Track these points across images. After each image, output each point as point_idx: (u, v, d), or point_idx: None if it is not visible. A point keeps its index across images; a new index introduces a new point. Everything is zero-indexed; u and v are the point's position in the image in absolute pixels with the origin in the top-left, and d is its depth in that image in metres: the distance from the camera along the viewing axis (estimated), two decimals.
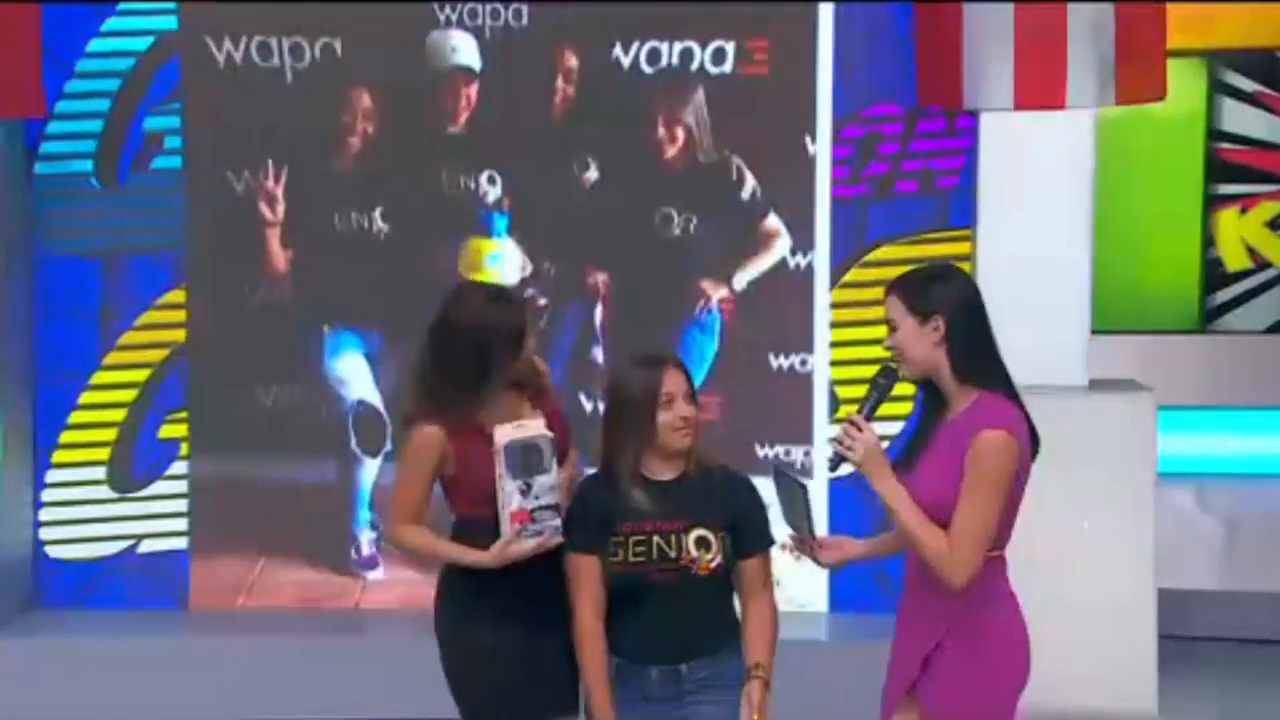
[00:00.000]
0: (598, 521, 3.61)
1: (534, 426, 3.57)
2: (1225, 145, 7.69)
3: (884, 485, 3.39)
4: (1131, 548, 5.52)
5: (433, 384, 3.67)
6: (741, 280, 5.91)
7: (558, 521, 3.56)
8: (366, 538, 6.00)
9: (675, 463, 3.63)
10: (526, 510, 3.54)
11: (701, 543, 3.59)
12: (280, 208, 5.94)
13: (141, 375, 5.95)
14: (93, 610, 5.93)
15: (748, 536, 3.64)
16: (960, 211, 5.81)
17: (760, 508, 3.67)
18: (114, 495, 5.95)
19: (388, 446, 5.93)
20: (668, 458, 3.62)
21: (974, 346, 3.43)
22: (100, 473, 5.96)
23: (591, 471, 3.72)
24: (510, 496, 3.55)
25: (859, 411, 3.43)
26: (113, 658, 5.63)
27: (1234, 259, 7.78)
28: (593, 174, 5.91)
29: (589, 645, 3.62)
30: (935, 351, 3.42)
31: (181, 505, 5.97)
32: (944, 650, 3.44)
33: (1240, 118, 7.68)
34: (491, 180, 5.92)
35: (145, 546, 5.96)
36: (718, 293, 5.92)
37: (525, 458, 3.54)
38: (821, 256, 5.87)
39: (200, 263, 5.95)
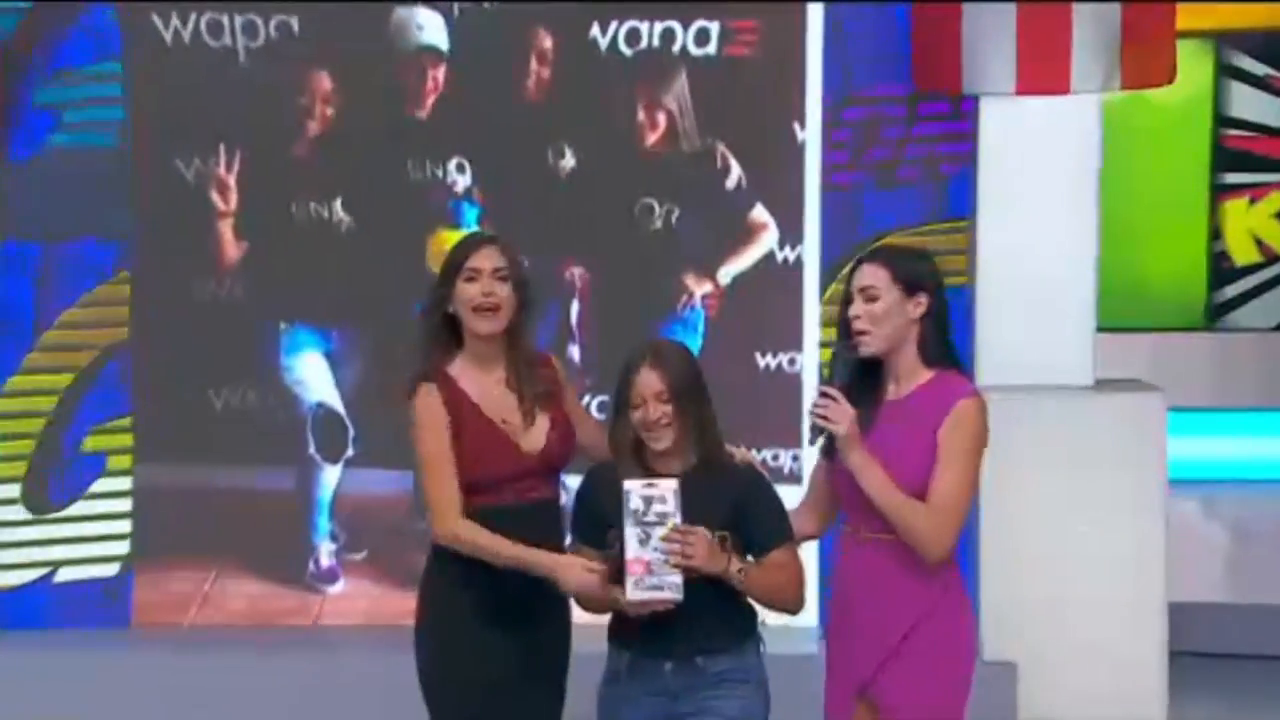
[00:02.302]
0: (597, 514, 3.68)
1: (665, 482, 3.59)
2: (1233, 132, 7.77)
3: (859, 457, 3.52)
4: (1140, 556, 5.56)
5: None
6: (726, 275, 5.93)
7: (678, 579, 3.56)
8: (326, 549, 5.98)
9: (679, 458, 3.68)
10: (644, 560, 3.55)
11: None
12: (233, 197, 5.92)
13: (65, 380, 5.90)
14: (28, 630, 5.89)
15: (759, 532, 3.69)
16: (964, 201, 5.86)
17: (770, 502, 3.72)
18: (29, 517, 5.88)
19: (349, 452, 5.92)
20: (666, 454, 3.66)
21: (947, 328, 3.61)
22: (14, 490, 5.90)
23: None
24: (628, 543, 3.57)
25: (830, 382, 3.56)
26: (51, 678, 5.59)
27: (1242, 252, 7.86)
28: (569, 162, 5.92)
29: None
30: (910, 327, 3.56)
31: (115, 524, 5.92)
32: (910, 643, 3.56)
33: (1249, 103, 7.75)
34: (460, 168, 5.92)
35: (67, 572, 5.91)
36: (701, 288, 5.94)
37: (648, 506, 3.56)
38: (811, 250, 5.89)
39: (145, 255, 5.92)
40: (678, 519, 3.55)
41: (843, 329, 3.63)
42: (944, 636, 3.61)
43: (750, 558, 3.68)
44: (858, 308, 3.56)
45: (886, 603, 3.58)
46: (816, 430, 3.54)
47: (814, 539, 3.86)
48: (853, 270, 3.63)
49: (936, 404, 3.53)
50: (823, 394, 3.53)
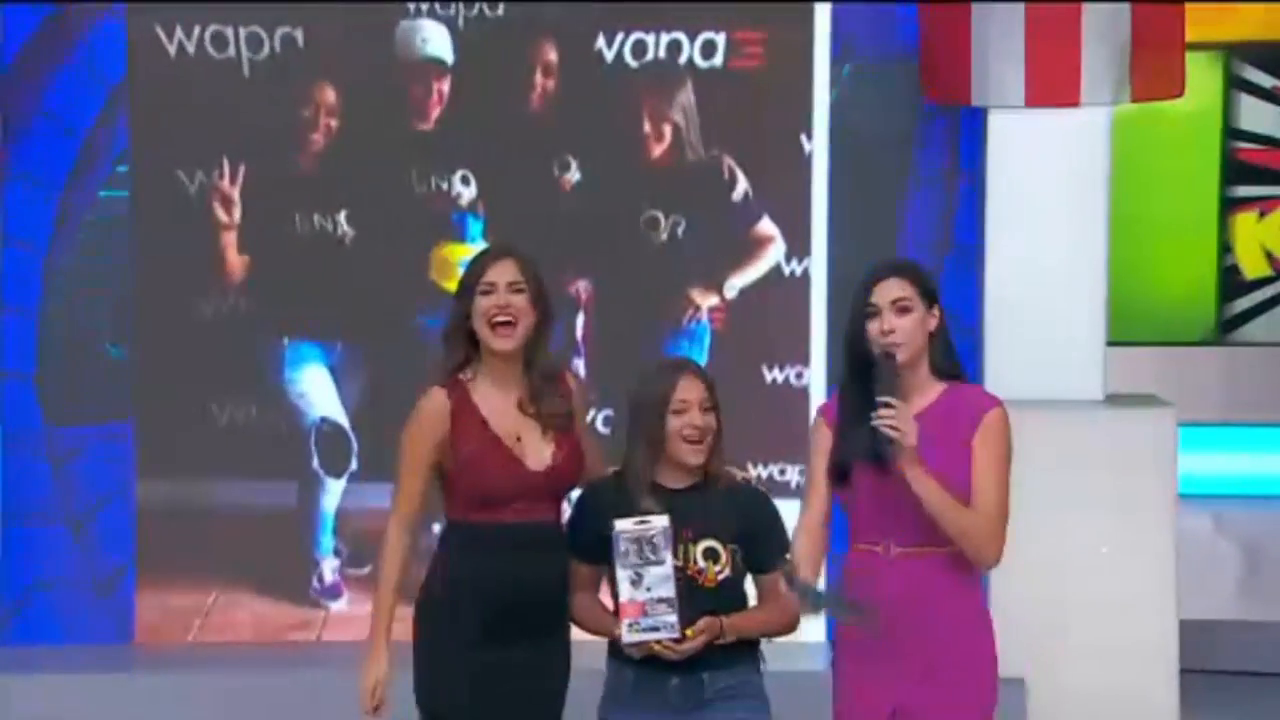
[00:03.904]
0: (595, 531, 3.68)
1: (657, 520, 3.62)
2: (1243, 145, 7.76)
3: (918, 471, 3.51)
4: (1151, 572, 5.55)
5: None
6: (733, 288, 5.92)
7: (673, 618, 3.58)
8: (329, 565, 5.98)
9: (690, 473, 3.70)
10: (638, 602, 3.58)
11: (709, 554, 3.68)
12: (236, 210, 5.92)
13: None
14: (28, 646, 5.88)
15: (763, 551, 3.71)
16: (972, 214, 5.86)
17: (776, 522, 3.76)
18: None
19: (352, 466, 5.91)
20: (680, 468, 3.68)
21: (951, 340, 3.67)
22: None
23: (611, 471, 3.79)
24: (620, 586, 3.60)
25: (886, 394, 3.53)
26: (52, 697, 5.58)
27: (1253, 266, 7.84)
28: (574, 174, 5.91)
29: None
30: (926, 340, 3.61)
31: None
32: (947, 660, 3.58)
33: (1259, 115, 7.74)
34: (465, 181, 5.92)
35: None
36: (707, 301, 5.93)
37: (639, 547, 3.58)
38: (819, 263, 5.89)
39: (148, 269, 5.93)
40: (668, 558, 3.57)
41: (855, 343, 3.62)
42: (976, 654, 3.64)
43: (750, 575, 3.72)
44: (890, 321, 3.57)
45: (926, 619, 3.59)
46: (887, 442, 3.49)
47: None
48: (871, 284, 3.62)
49: (965, 414, 3.57)
50: (885, 404, 3.51)
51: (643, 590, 3.57)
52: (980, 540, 3.54)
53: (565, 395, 3.81)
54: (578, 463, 3.81)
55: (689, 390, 3.67)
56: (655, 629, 3.59)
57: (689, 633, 3.59)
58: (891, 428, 3.48)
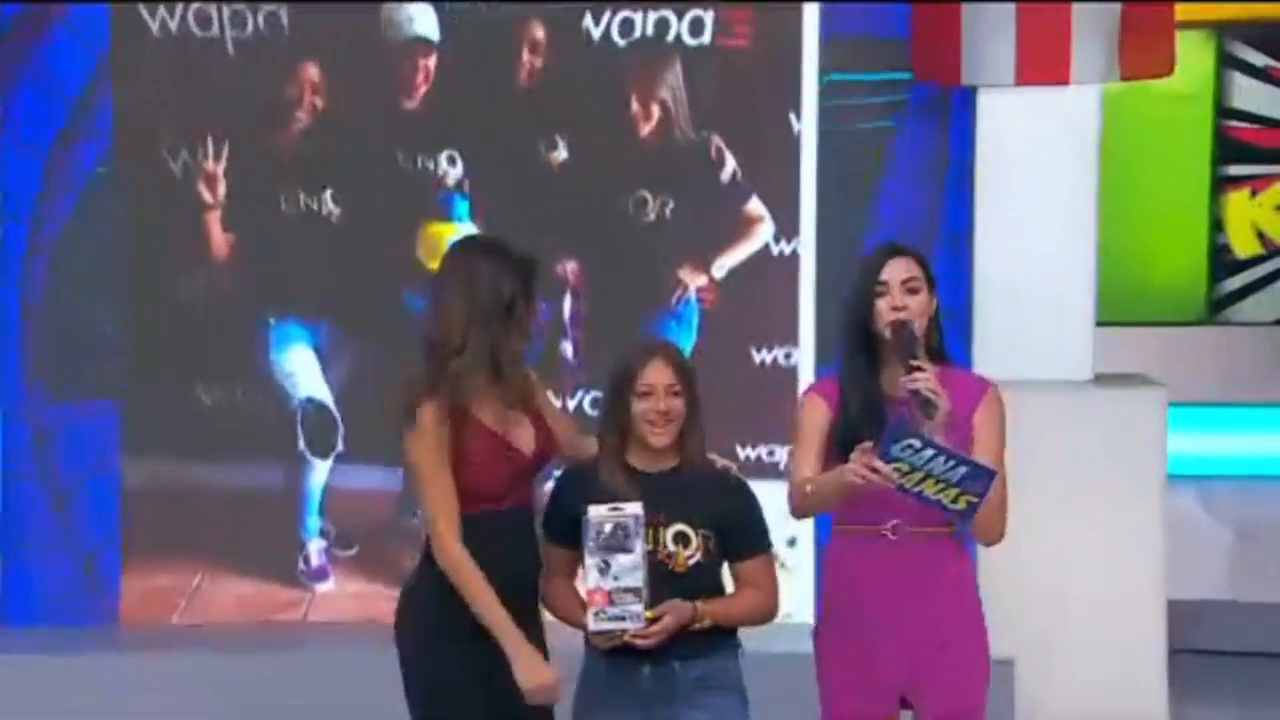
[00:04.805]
0: (571, 513, 3.66)
1: (630, 507, 3.59)
2: (1235, 123, 7.76)
3: (944, 435, 3.54)
4: (1139, 552, 5.57)
5: (432, 348, 3.67)
6: (721, 268, 5.91)
7: (639, 608, 3.55)
8: (316, 547, 5.98)
9: (665, 457, 3.68)
10: (604, 590, 3.55)
11: (680, 538, 3.65)
12: (221, 189, 5.90)
13: None
14: (11, 626, 5.87)
15: (740, 538, 3.70)
16: (960, 193, 5.85)
17: (754, 510, 3.73)
18: None
19: (339, 447, 5.90)
20: (654, 452, 3.67)
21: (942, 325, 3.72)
22: None
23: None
24: (588, 573, 3.58)
25: (910, 359, 3.56)
26: (36, 677, 5.59)
27: (1244, 244, 7.85)
28: (561, 154, 5.90)
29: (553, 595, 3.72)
30: (925, 324, 3.64)
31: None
32: (957, 638, 3.64)
33: (1251, 94, 7.75)
34: (451, 160, 5.91)
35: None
36: (696, 281, 5.93)
37: (609, 534, 3.56)
38: (807, 243, 5.88)
39: (133, 249, 5.91)
40: (638, 547, 3.55)
41: (860, 320, 3.64)
42: (980, 629, 3.71)
43: (727, 564, 3.71)
44: (901, 299, 3.61)
45: (937, 597, 3.64)
46: (927, 404, 3.50)
47: None
48: (880, 263, 3.65)
49: (962, 393, 3.60)
50: (918, 367, 3.53)
51: (610, 579, 3.54)
52: (995, 511, 3.58)
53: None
54: (552, 437, 3.79)
55: (655, 374, 3.64)
56: (621, 618, 3.55)
57: (649, 615, 3.56)
58: (934, 391, 3.49)
